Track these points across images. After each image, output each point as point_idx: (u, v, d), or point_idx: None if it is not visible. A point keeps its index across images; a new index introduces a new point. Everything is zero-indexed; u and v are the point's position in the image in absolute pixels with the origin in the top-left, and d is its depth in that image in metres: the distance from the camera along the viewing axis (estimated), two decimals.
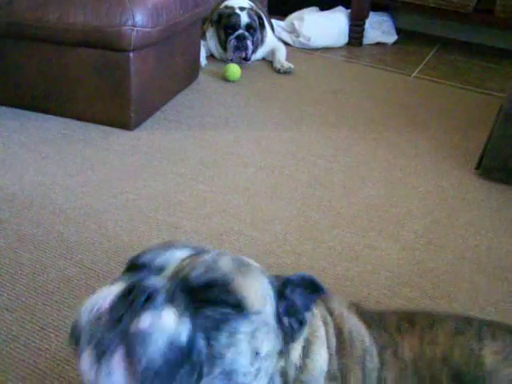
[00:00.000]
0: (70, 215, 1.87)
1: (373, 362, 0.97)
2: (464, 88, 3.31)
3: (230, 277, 0.84)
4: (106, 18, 2.22)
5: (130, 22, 2.21)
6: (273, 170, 2.25)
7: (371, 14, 3.92)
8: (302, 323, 0.92)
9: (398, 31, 4.12)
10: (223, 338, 0.79)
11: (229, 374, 0.79)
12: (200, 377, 0.77)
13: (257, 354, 0.83)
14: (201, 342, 0.77)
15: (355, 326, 1.01)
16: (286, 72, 3.28)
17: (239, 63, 3.22)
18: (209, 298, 0.80)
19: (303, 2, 4.04)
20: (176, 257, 0.87)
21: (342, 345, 0.97)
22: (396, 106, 2.96)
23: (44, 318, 1.44)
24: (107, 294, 0.78)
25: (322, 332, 0.97)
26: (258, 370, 0.84)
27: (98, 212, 1.90)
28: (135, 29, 2.23)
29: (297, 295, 0.94)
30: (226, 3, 3.41)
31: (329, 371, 0.93)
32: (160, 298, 0.77)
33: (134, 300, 0.75)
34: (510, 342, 0.99)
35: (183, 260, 0.86)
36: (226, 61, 3.30)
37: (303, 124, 2.67)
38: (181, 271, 0.83)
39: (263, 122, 2.66)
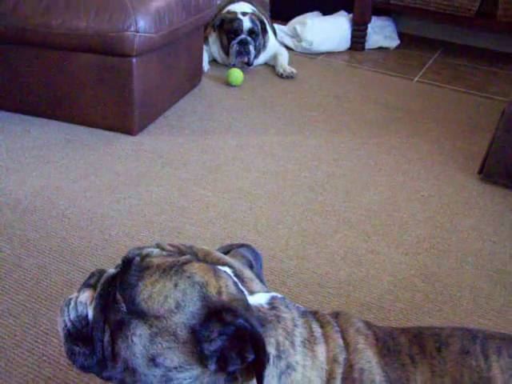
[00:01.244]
0: (73, 220, 1.87)
1: None
2: (466, 92, 3.31)
3: (147, 272, 0.89)
4: (108, 23, 2.23)
5: (132, 28, 2.22)
6: (275, 174, 2.26)
7: (373, 18, 3.92)
8: (243, 361, 0.85)
9: (401, 36, 4.13)
10: (120, 338, 0.88)
11: (132, 372, 0.88)
12: (104, 366, 0.91)
13: (154, 360, 0.85)
14: (106, 336, 0.90)
15: (368, 362, 0.97)
16: (289, 77, 3.28)
17: (242, 68, 3.22)
18: (116, 283, 0.91)
19: (305, 6, 4.05)
20: (146, 250, 0.95)
21: (351, 382, 0.94)
22: (398, 110, 2.97)
23: (48, 323, 1.45)
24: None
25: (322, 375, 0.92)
26: (166, 378, 0.86)
27: (102, 217, 1.90)
28: (138, 34, 2.24)
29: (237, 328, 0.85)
30: (228, 8, 3.42)
31: None
32: (91, 280, 0.97)
33: (84, 283, 0.98)
34: None
35: (138, 256, 0.93)
36: (228, 66, 3.30)
37: (306, 129, 2.68)
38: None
39: (266, 127, 2.66)
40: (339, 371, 0.94)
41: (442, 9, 3.65)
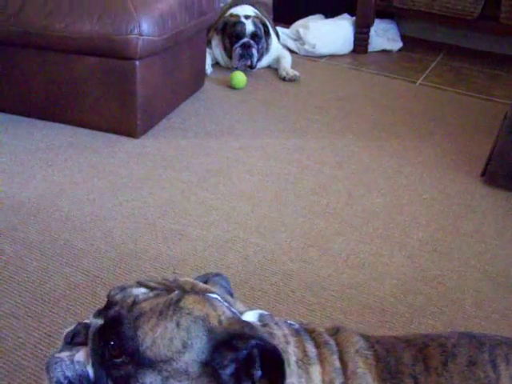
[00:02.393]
0: (76, 223, 1.88)
1: None
2: (469, 95, 3.31)
3: (141, 320, 0.86)
4: (112, 26, 2.23)
5: (136, 31, 2.23)
6: (278, 177, 2.26)
7: (376, 21, 3.93)
8: (252, 379, 0.86)
9: (403, 38, 4.13)
10: None
11: None
12: None
13: None
14: None
15: None
16: (292, 80, 3.29)
17: (244, 71, 3.23)
18: (115, 340, 0.86)
19: (308, 9, 4.05)
20: (125, 294, 0.91)
21: None
22: (401, 113, 2.97)
23: (51, 326, 1.45)
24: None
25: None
26: None
27: (104, 220, 1.91)
28: (141, 37, 2.25)
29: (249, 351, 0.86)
30: (231, 11, 3.43)
31: None
32: (79, 338, 0.92)
33: (70, 337, 0.93)
34: None
35: (120, 301, 0.90)
36: (231, 69, 3.31)
37: (308, 131, 2.68)
38: (109, 312, 0.90)
39: (268, 130, 2.67)
40: None
41: (444, 11, 3.65)
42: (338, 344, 0.98)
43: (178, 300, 0.88)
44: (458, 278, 1.77)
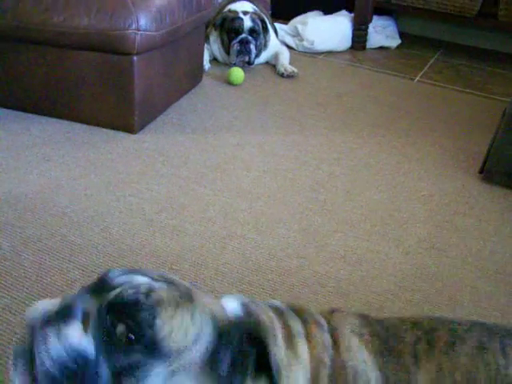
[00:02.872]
0: (73, 218, 1.87)
1: None
2: (467, 92, 3.31)
3: (159, 308, 0.82)
4: (110, 21, 2.22)
5: (133, 26, 2.22)
6: (276, 173, 2.26)
7: (375, 18, 3.92)
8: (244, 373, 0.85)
9: (402, 35, 4.13)
10: (129, 380, 0.80)
11: None
12: None
13: None
14: (106, 372, 0.80)
15: (363, 363, 0.92)
16: (290, 76, 3.28)
17: (242, 67, 3.22)
18: (130, 325, 0.80)
19: (307, 6, 4.05)
20: (129, 281, 0.86)
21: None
22: (399, 110, 2.97)
23: None
24: (48, 304, 0.84)
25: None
26: None
27: (102, 215, 1.90)
28: (139, 32, 2.24)
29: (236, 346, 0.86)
30: (229, 7, 3.42)
31: None
32: (75, 313, 0.81)
33: (59, 314, 0.81)
34: None
35: (129, 285, 0.85)
36: (229, 65, 3.30)
37: (306, 128, 2.68)
38: (117, 292, 0.83)
39: (266, 126, 2.66)
40: (325, 372, 0.90)
41: (443, 8, 3.65)
42: (330, 323, 0.97)
43: (189, 293, 0.88)
44: (455, 274, 1.77)
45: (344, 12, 3.98)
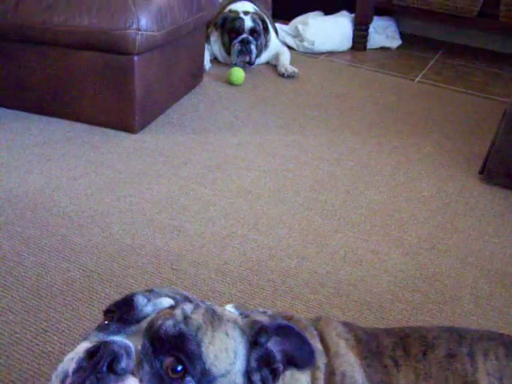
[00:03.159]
0: (73, 218, 1.87)
1: None
2: (468, 93, 3.31)
3: (200, 333, 0.81)
4: (110, 21, 2.22)
5: (134, 26, 2.22)
6: (276, 173, 2.26)
7: (375, 18, 3.92)
8: (275, 374, 0.86)
9: (402, 36, 4.13)
10: None
11: None
12: None
13: None
14: None
15: (350, 366, 0.96)
16: (290, 76, 3.28)
17: (243, 67, 3.22)
18: (179, 357, 0.78)
19: (307, 6, 4.05)
20: (158, 307, 0.85)
21: None
22: (399, 110, 2.97)
23: (47, 321, 1.45)
24: (73, 358, 0.77)
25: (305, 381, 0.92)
26: None
27: (102, 215, 1.90)
28: (140, 32, 2.24)
29: (272, 344, 0.87)
30: (230, 7, 3.42)
31: None
32: (123, 363, 0.76)
33: (97, 364, 0.75)
34: (503, 357, 0.99)
35: (159, 313, 0.83)
36: (230, 65, 3.30)
37: (307, 128, 2.68)
38: (154, 325, 0.81)
39: (267, 126, 2.66)
40: (320, 376, 0.93)
41: (443, 9, 3.65)
42: (318, 329, 1.01)
43: (213, 309, 0.87)
44: (455, 275, 1.77)
45: (345, 12, 3.98)
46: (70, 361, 0.77)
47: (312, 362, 0.86)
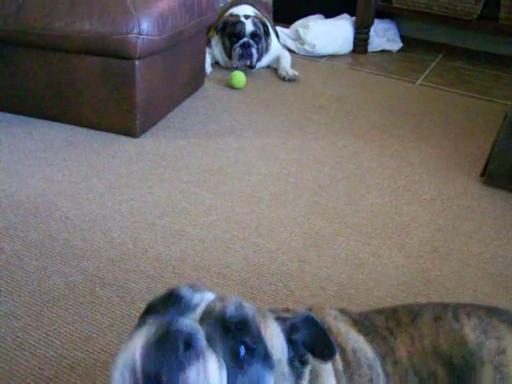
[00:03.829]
0: (75, 222, 1.88)
1: (379, 381, 1.00)
2: (469, 95, 3.31)
3: (257, 319, 0.85)
4: (111, 25, 2.23)
5: (135, 30, 2.23)
6: (277, 177, 2.26)
7: (376, 21, 3.93)
8: (304, 363, 0.91)
9: (403, 39, 4.13)
10: None
11: None
12: None
13: None
14: None
15: (357, 342, 1.03)
16: (291, 79, 3.29)
17: (244, 71, 3.23)
18: (243, 339, 0.79)
19: (308, 9, 4.05)
20: (206, 298, 0.86)
21: (348, 367, 0.99)
22: (401, 113, 2.97)
23: (49, 325, 1.45)
24: (137, 347, 0.73)
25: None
26: None
27: (104, 219, 1.90)
28: (141, 37, 2.24)
29: (303, 334, 0.91)
30: (231, 11, 3.42)
31: None
32: (200, 344, 0.74)
33: (171, 348, 0.72)
34: (484, 316, 1.09)
35: (211, 302, 0.85)
36: (231, 68, 3.31)
37: (308, 131, 2.68)
38: (212, 311, 0.82)
39: (268, 130, 2.66)
40: (337, 356, 0.99)
41: (444, 12, 3.65)
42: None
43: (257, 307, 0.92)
44: (457, 278, 1.77)
45: (345, 15, 3.98)
46: (135, 348, 0.73)
47: (333, 353, 0.90)
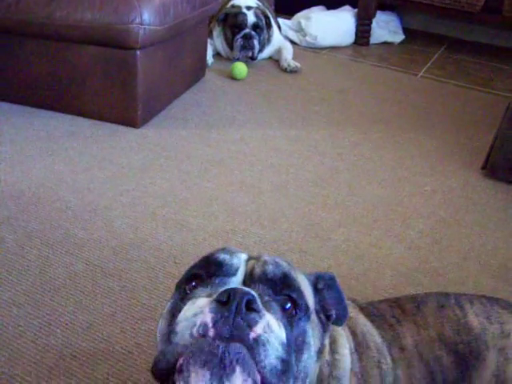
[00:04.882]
0: (76, 212, 1.88)
1: (387, 364, 1.03)
2: (471, 88, 3.30)
3: (294, 273, 0.91)
4: (113, 15, 2.22)
5: (137, 20, 2.22)
6: (279, 168, 2.26)
7: (378, 13, 3.92)
8: (329, 318, 0.96)
9: (405, 31, 4.12)
10: (305, 347, 0.86)
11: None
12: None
13: (315, 351, 0.90)
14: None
15: (365, 326, 1.07)
16: (293, 71, 3.28)
17: (246, 62, 3.22)
18: (288, 293, 0.86)
19: (310, 1, 4.04)
20: (242, 259, 0.92)
21: (358, 346, 1.03)
22: (402, 105, 2.96)
23: (51, 314, 1.45)
24: (203, 308, 0.79)
25: (342, 330, 1.02)
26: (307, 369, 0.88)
27: (105, 209, 1.90)
28: (143, 27, 2.24)
29: (326, 291, 0.98)
30: (232, 2, 3.41)
31: (351, 370, 0.99)
32: (258, 303, 0.80)
33: (238, 306, 0.78)
34: (486, 302, 1.12)
35: (248, 263, 0.91)
36: (232, 59, 3.30)
37: (309, 123, 2.68)
38: (253, 272, 0.88)
39: (269, 121, 2.66)
40: (348, 333, 1.04)
41: (447, 4, 3.64)
42: None
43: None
44: (458, 270, 1.77)
45: (347, 7, 3.97)
46: (200, 314, 0.78)
47: (346, 317, 0.98)
